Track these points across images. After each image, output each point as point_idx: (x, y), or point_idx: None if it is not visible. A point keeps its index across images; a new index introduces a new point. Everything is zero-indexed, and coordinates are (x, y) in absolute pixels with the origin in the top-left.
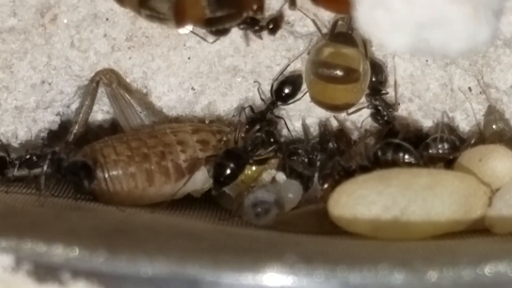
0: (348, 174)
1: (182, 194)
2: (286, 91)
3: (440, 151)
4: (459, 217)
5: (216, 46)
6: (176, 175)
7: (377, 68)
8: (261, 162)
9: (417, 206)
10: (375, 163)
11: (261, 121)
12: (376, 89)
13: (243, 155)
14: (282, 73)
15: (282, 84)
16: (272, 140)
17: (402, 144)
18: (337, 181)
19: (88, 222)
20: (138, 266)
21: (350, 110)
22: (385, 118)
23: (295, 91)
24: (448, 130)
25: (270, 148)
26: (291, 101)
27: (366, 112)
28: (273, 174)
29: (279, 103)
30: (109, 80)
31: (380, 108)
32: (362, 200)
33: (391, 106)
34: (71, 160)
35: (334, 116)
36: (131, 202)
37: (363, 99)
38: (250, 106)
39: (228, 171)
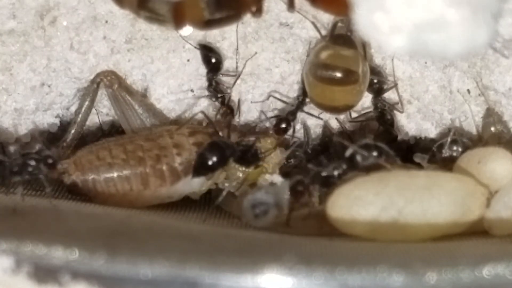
0: (328, 184)
1: (180, 197)
2: None
3: (454, 154)
4: (457, 218)
5: None
6: (172, 178)
7: (376, 70)
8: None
9: (414, 207)
10: (351, 166)
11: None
12: (379, 90)
13: (227, 150)
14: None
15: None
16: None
17: (370, 143)
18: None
19: (88, 224)
20: (137, 268)
21: (350, 114)
22: (390, 121)
23: None
24: (458, 133)
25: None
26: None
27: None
28: (271, 175)
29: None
30: (110, 81)
31: (385, 111)
32: (360, 201)
33: (396, 108)
34: None
35: (336, 118)
36: (127, 204)
37: (368, 103)
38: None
39: (209, 163)
